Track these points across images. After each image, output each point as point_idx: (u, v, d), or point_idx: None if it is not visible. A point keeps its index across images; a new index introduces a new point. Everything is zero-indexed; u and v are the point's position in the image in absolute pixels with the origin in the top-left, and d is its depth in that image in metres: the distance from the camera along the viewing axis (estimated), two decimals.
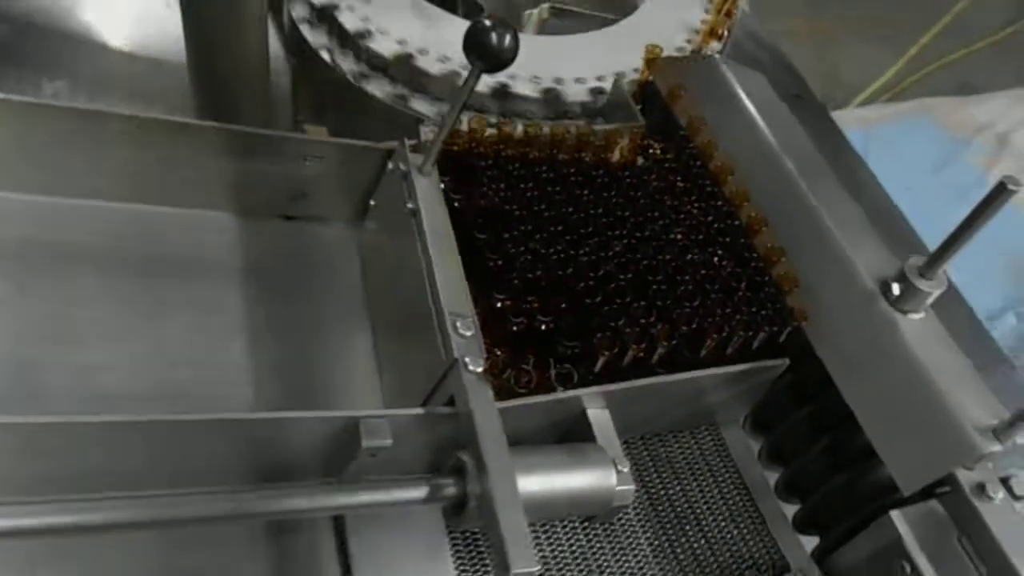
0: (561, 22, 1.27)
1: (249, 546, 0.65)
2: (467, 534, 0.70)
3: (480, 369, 0.64)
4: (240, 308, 0.78)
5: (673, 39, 1.10)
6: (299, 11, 1.05)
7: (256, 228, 0.84)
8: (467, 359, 0.64)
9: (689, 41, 1.12)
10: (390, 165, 0.81)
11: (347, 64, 1.00)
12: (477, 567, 0.69)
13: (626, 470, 0.68)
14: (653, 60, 0.96)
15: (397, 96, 1.00)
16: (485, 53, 0.66)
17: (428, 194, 0.75)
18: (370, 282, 0.84)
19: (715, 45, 1.14)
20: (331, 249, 0.87)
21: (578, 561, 0.72)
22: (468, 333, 0.66)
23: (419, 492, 0.60)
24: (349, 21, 1.01)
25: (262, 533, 0.66)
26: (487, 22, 0.66)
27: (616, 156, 0.87)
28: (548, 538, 0.73)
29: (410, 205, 0.75)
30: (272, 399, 0.73)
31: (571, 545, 0.73)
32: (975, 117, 3.06)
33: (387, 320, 0.80)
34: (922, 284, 0.69)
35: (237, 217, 0.84)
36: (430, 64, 0.99)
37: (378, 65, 1.00)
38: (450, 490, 0.61)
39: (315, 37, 1.03)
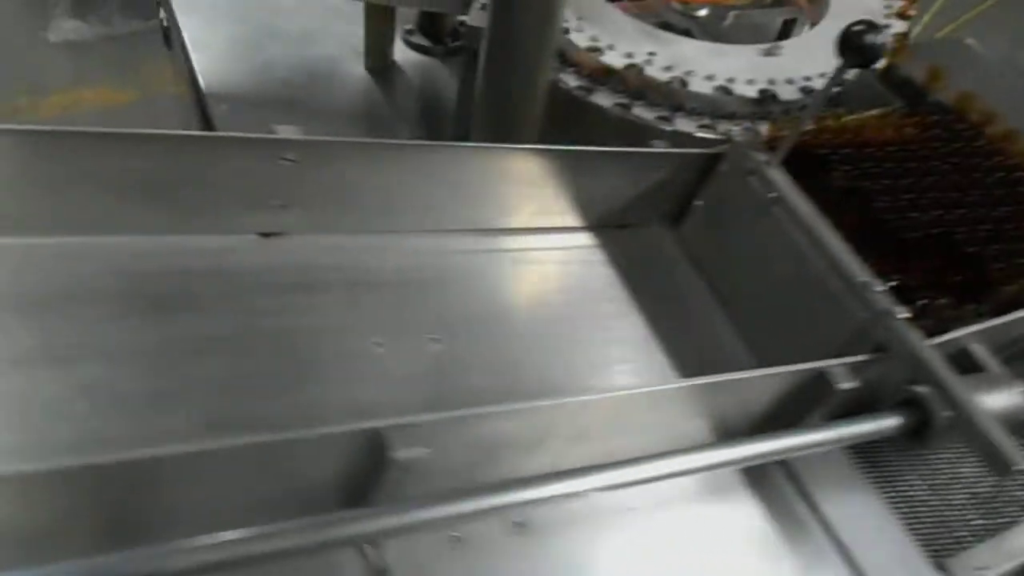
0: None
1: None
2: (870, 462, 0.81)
3: (906, 316, 0.75)
4: (621, 310, 0.89)
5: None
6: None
7: (603, 239, 0.95)
8: (893, 310, 0.75)
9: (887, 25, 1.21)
10: (724, 166, 0.92)
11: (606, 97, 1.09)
12: (883, 484, 0.80)
13: None
14: (900, 49, 1.07)
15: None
16: (861, 50, 0.77)
17: (784, 183, 0.86)
18: (714, 271, 0.94)
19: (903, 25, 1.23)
20: (658, 249, 0.97)
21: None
22: (882, 289, 0.77)
23: (894, 421, 0.71)
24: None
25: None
26: (861, 26, 0.76)
27: (901, 136, 0.98)
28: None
29: (772, 194, 0.85)
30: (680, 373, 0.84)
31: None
32: None
33: (753, 296, 0.89)
34: None
35: (587, 233, 0.95)
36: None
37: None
38: (912, 419, 0.71)
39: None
